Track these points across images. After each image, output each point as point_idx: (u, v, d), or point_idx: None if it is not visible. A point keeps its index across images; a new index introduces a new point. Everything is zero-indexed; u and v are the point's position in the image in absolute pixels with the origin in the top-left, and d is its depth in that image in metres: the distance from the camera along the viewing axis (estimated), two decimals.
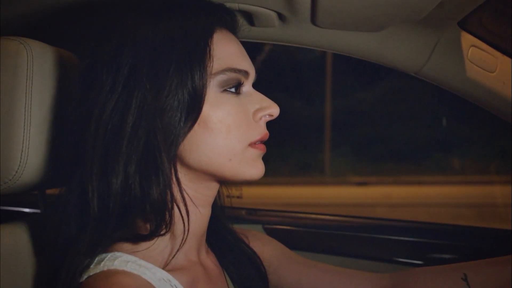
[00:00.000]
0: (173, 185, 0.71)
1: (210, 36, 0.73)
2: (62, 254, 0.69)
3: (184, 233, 0.73)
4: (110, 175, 0.68)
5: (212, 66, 0.72)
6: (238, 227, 0.98)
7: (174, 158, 0.71)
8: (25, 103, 0.71)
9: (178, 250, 0.74)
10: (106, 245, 0.69)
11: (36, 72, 0.73)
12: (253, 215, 1.58)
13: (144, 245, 0.71)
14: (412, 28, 0.98)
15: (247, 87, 0.78)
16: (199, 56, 0.70)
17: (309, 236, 1.52)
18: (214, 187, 0.80)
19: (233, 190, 0.92)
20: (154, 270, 0.70)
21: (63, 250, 0.69)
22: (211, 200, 0.81)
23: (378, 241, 1.45)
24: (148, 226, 0.71)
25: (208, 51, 0.71)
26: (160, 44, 0.69)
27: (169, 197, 0.70)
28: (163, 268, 0.72)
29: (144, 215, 0.71)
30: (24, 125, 0.71)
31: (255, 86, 0.80)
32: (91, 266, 0.66)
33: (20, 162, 0.71)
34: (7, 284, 0.72)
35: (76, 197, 0.71)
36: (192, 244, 0.79)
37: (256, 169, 0.76)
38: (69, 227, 0.71)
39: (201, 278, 0.80)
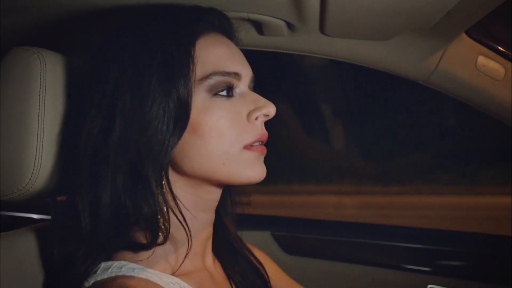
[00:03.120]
0: (167, 195, 0.72)
1: (192, 42, 0.72)
2: (64, 263, 0.71)
3: (188, 241, 0.73)
4: (99, 188, 0.69)
5: (197, 72, 0.71)
6: (245, 235, 0.98)
7: (166, 167, 0.72)
8: (39, 112, 0.72)
9: (185, 257, 0.75)
10: (106, 254, 0.70)
11: (49, 81, 0.74)
12: (261, 221, 1.58)
13: (146, 253, 0.71)
14: (420, 37, 0.99)
15: (241, 88, 0.76)
16: (180, 64, 0.70)
17: (317, 243, 1.51)
18: (214, 191, 0.79)
19: (241, 196, 0.92)
20: (160, 275, 0.70)
21: (64, 259, 0.71)
22: (214, 204, 0.81)
23: (387, 248, 1.45)
24: (146, 235, 0.72)
25: (190, 58, 0.71)
26: (141, 56, 0.70)
27: (160, 208, 0.71)
28: (170, 274, 0.73)
29: (140, 225, 0.72)
30: (37, 134, 0.72)
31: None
32: (98, 272, 0.68)
33: (33, 169, 0.72)
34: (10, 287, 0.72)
35: (71, 208, 0.72)
36: (197, 249, 0.80)
37: (253, 172, 0.74)
38: (69, 235, 0.72)
39: (208, 282, 0.80)
